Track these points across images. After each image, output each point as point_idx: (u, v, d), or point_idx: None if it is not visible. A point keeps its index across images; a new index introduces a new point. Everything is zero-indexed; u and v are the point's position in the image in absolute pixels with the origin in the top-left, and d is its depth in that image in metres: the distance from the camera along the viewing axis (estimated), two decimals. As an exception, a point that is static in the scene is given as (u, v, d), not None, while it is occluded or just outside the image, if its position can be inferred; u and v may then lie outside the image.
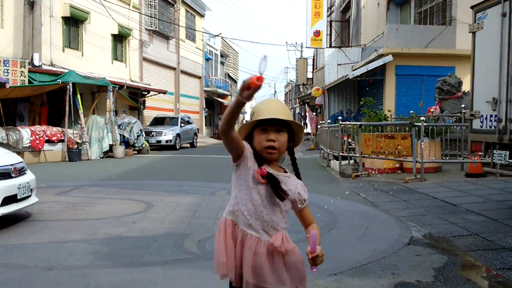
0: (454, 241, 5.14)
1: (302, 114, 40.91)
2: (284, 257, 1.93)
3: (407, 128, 10.85)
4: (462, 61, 19.49)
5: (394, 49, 19.62)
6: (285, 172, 2.04)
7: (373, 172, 11.46)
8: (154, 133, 23.05)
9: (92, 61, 21.47)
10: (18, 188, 5.92)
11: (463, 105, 12.36)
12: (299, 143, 2.09)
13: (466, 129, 11.03)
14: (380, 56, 19.82)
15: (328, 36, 30.56)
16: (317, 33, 28.46)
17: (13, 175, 5.97)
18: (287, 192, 1.95)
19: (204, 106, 37.64)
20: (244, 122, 1.90)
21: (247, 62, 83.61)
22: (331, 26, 31.36)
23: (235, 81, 57.52)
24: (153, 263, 4.36)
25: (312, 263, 1.89)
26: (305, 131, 40.51)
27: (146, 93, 25.03)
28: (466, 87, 15.48)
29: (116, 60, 23.88)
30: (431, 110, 14.95)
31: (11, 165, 6.04)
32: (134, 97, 23.66)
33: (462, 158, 11.01)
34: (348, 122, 14.54)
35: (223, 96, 44.09)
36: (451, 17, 20.35)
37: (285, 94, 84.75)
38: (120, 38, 24.24)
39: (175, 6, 30.92)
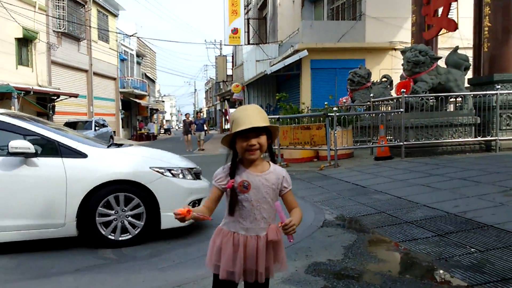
0: (363, 220, 5.41)
1: (223, 111, 41.01)
2: (275, 244, 2.22)
3: (321, 119, 11.23)
4: (371, 53, 20.57)
5: (309, 44, 20.22)
6: (269, 165, 2.25)
7: (291, 162, 11.75)
8: (66, 138, 21.93)
9: (-6, 67, 20.06)
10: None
11: (371, 94, 13.03)
12: (275, 139, 2.34)
13: (375, 117, 11.67)
14: (296, 51, 20.35)
15: (246, 33, 30.88)
16: (235, 31, 28.67)
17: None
18: (243, 204, 2.19)
19: (121, 108, 36.46)
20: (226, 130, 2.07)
21: (165, 61, 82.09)
22: (248, 23, 31.70)
23: (153, 81, 56.34)
24: (64, 272, 4.17)
25: (284, 233, 2.06)
26: (226, 126, 40.77)
27: (55, 97, 23.77)
28: (375, 77, 16.35)
29: (21, 65, 22.42)
30: (343, 100, 15.60)
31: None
32: (42, 103, 22.41)
33: (371, 143, 11.61)
34: (266, 116, 14.75)
35: (141, 96, 43.01)
36: (361, 12, 21.32)
37: (205, 92, 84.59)
38: (25, 42, 22.80)
39: (85, 6, 29.66)
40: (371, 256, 4.11)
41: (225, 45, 34.48)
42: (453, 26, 12.46)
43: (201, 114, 24.93)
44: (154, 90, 59.36)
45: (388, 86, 15.45)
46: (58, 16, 26.11)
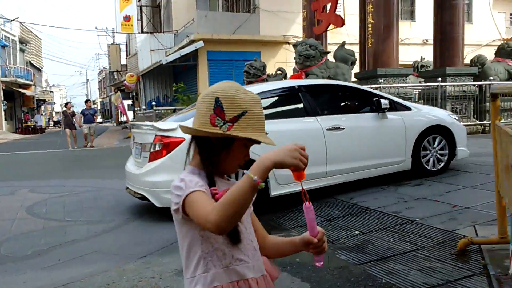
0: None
1: (117, 103, 39.44)
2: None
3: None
4: (266, 46, 21.06)
5: (204, 35, 20.12)
6: (228, 180, 1.56)
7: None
8: None
9: None
10: None
11: (267, 86, 13.37)
12: None
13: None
14: (192, 42, 20.18)
15: (139, 21, 29.88)
16: (127, 18, 27.60)
17: None
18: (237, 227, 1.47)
19: (3, 99, 33.50)
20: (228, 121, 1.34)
21: (52, 49, 76.80)
22: (141, 11, 30.71)
23: (39, 70, 52.52)
24: None
25: (316, 252, 1.42)
26: (122, 118, 39.36)
27: None
28: (270, 70, 16.79)
29: None
30: (240, 92, 15.82)
31: None
32: None
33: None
34: (162, 107, 14.54)
35: (26, 86, 39.79)
36: (255, 5, 21.69)
37: (99, 82, 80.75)
38: None
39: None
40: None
41: (117, 33, 33.11)
42: (340, 22, 13.20)
43: (91, 102, 20.59)
44: (40, 79, 55.30)
45: (283, 78, 15.94)
46: None
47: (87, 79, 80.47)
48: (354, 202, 5.44)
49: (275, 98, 5.87)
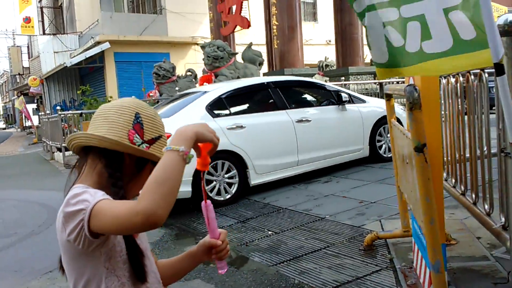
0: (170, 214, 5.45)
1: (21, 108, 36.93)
2: None
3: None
4: (175, 47, 20.80)
5: (110, 36, 19.48)
6: None
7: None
8: None
9: None
10: None
11: (177, 88, 13.20)
12: None
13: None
14: (98, 43, 19.45)
15: (41, 23, 28.26)
16: (27, 20, 26.00)
17: None
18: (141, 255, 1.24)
19: None
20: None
21: None
22: (42, 12, 29.02)
23: None
24: None
25: (219, 258, 1.30)
26: (27, 123, 36.83)
27: None
28: (180, 71, 16.58)
29: None
30: (151, 94, 15.51)
31: None
32: None
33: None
34: (68, 112, 13.81)
35: None
36: (161, 6, 21.32)
37: (0, 85, 74.84)
38: None
39: None
40: (177, 249, 4.18)
41: (17, 35, 30.99)
42: (246, 23, 13.35)
43: None
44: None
45: (193, 79, 15.80)
46: None
47: (-18, 83, 74.19)
48: (266, 202, 5.50)
49: (247, 94, 6.39)
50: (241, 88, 6.26)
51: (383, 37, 2.09)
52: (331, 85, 7.40)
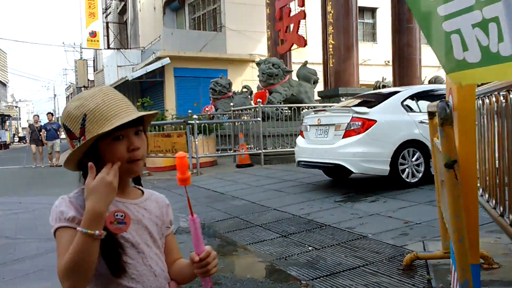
0: (216, 226, 5.60)
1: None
2: None
3: (182, 127, 11.32)
4: (233, 64, 21.27)
5: (171, 52, 20.22)
6: (142, 192, 1.45)
7: (154, 171, 11.62)
8: None
9: None
10: None
11: (231, 104, 13.50)
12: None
13: (235, 125, 12.12)
14: (158, 58, 20.22)
15: (106, 37, 29.79)
16: (93, 34, 27.48)
17: None
18: (127, 252, 1.29)
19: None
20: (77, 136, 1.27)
21: (19, 64, 75.21)
22: (107, 27, 30.61)
23: (4, 84, 51.40)
24: None
25: (200, 273, 1.30)
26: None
27: None
28: (237, 87, 16.94)
29: None
30: (207, 109, 15.91)
31: None
32: None
33: (233, 151, 12.03)
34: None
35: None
36: (221, 24, 21.93)
37: (66, 98, 79.42)
38: None
39: None
40: (218, 259, 4.29)
41: (84, 48, 32.83)
42: (303, 42, 13.51)
43: (51, 116, 17.70)
44: (5, 94, 54.06)
45: (249, 96, 16.12)
46: None
47: (55, 94, 79.01)
48: (310, 218, 5.52)
49: (430, 96, 6.97)
50: (426, 91, 7.23)
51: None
52: None
